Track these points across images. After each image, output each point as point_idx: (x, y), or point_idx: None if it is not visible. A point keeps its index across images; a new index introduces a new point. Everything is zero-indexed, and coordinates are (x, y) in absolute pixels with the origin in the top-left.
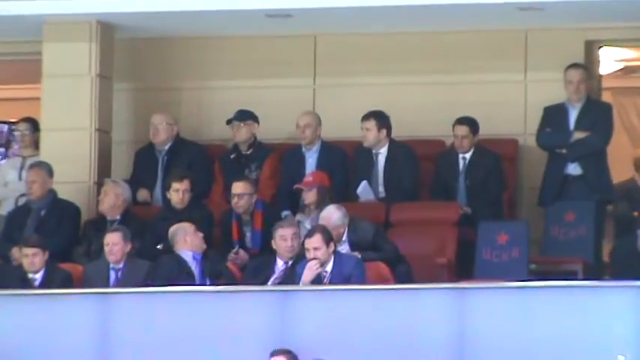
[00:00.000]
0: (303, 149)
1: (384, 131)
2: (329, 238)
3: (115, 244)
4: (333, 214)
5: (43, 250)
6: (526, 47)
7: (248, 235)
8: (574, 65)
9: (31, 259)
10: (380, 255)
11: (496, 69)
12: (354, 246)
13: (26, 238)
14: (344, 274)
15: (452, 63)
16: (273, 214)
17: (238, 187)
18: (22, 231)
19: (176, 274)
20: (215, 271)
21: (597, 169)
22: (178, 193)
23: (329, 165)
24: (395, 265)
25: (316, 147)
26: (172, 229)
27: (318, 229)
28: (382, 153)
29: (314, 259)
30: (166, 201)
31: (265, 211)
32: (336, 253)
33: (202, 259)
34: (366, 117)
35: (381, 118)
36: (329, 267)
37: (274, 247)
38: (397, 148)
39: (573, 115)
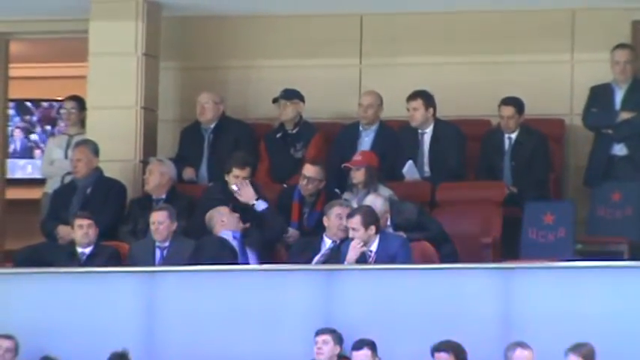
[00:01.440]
0: (361, 128)
1: (431, 110)
2: (370, 220)
3: (160, 222)
4: (375, 203)
5: (95, 223)
6: (573, 27)
7: (305, 215)
8: (621, 45)
9: (87, 229)
10: (425, 234)
11: (543, 49)
12: (398, 228)
13: (79, 212)
14: (389, 254)
15: (499, 42)
16: (333, 196)
17: (310, 170)
18: (68, 209)
19: (219, 251)
20: (256, 244)
21: None
22: (238, 179)
23: (384, 145)
24: (440, 244)
25: (375, 127)
26: (207, 215)
27: (359, 210)
28: (428, 132)
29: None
30: (221, 182)
31: (328, 193)
32: (381, 232)
33: (242, 237)
34: (413, 96)
35: (427, 98)
36: (374, 247)
37: (326, 224)
38: (443, 128)
39: (619, 96)
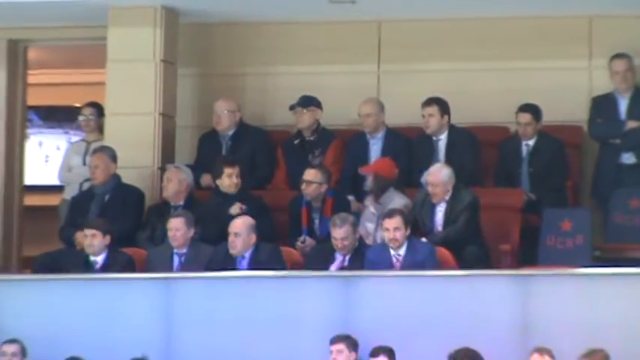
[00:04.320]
0: (368, 136)
1: (446, 117)
2: (408, 220)
3: (177, 229)
4: (442, 170)
5: (103, 233)
6: (590, 33)
7: (316, 222)
8: (618, 55)
9: (90, 240)
10: (441, 234)
11: (560, 55)
12: (450, 212)
13: (88, 221)
14: (417, 261)
15: (516, 49)
16: (343, 202)
17: (309, 174)
18: (86, 216)
19: (224, 262)
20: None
21: None
22: (232, 179)
23: (393, 152)
24: (462, 247)
25: (381, 134)
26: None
27: (397, 211)
28: (442, 139)
29: (393, 238)
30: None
31: (335, 199)
32: (409, 239)
33: (252, 252)
34: (428, 102)
35: (442, 104)
36: (402, 251)
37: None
38: (457, 134)
39: (623, 105)
